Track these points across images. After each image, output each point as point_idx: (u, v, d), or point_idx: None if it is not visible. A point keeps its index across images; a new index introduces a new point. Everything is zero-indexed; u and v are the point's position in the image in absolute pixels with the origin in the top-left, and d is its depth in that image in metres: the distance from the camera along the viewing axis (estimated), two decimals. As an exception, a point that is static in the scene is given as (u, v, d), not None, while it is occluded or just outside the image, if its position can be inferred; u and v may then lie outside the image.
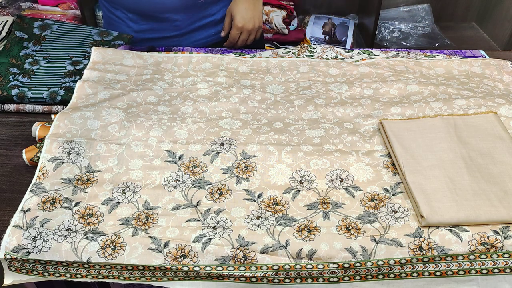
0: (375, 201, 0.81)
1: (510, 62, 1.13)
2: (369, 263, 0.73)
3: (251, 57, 1.17)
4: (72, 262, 0.74)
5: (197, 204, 0.81)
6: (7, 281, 0.76)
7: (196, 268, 0.73)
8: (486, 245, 0.74)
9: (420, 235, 0.75)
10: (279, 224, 0.77)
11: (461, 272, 0.75)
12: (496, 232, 0.75)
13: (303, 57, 1.17)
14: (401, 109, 0.98)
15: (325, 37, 2.27)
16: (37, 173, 0.83)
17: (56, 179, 0.83)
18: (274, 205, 0.80)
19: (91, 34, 1.24)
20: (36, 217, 0.77)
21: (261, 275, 0.73)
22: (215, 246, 0.74)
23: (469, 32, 2.39)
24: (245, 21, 1.21)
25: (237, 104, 1.01)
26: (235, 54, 1.19)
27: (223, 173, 0.85)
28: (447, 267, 0.75)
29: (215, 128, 0.93)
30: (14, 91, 1.04)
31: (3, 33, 1.21)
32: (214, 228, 0.77)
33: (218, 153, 0.88)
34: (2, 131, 1.00)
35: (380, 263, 0.73)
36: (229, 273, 0.73)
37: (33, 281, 0.78)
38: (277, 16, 2.09)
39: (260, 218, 0.78)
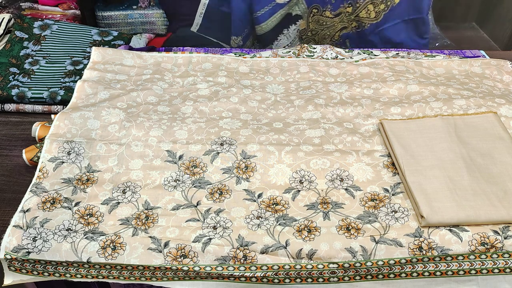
0: (375, 201, 0.81)
1: (510, 62, 1.13)
2: (369, 263, 0.73)
3: (251, 57, 1.17)
4: (72, 262, 0.74)
5: (197, 204, 0.81)
6: (7, 281, 0.76)
7: (196, 268, 0.73)
8: (486, 245, 0.74)
9: (420, 235, 0.75)
10: (279, 224, 0.77)
11: (461, 272, 0.75)
12: (496, 232, 0.75)
13: (303, 57, 1.17)
14: (401, 109, 0.98)
15: (325, 37, 2.27)
16: (37, 173, 0.83)
17: (56, 179, 0.83)
18: (274, 205, 0.80)
19: (91, 34, 1.24)
20: (36, 217, 0.77)
21: (261, 275, 0.73)
22: (215, 246, 0.74)
23: (469, 32, 2.39)
24: None
25: (237, 104, 1.01)
26: (235, 54, 1.19)
27: (223, 173, 0.85)
28: (447, 267, 0.75)
29: (215, 128, 0.93)
30: (14, 91, 1.04)
31: (0, 31, 1.21)
32: (214, 228, 0.77)
33: (218, 153, 0.88)
34: (2, 131, 1.00)
35: (380, 263, 0.73)
36: (229, 273, 0.73)
37: (33, 281, 0.78)
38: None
39: (260, 218, 0.78)
